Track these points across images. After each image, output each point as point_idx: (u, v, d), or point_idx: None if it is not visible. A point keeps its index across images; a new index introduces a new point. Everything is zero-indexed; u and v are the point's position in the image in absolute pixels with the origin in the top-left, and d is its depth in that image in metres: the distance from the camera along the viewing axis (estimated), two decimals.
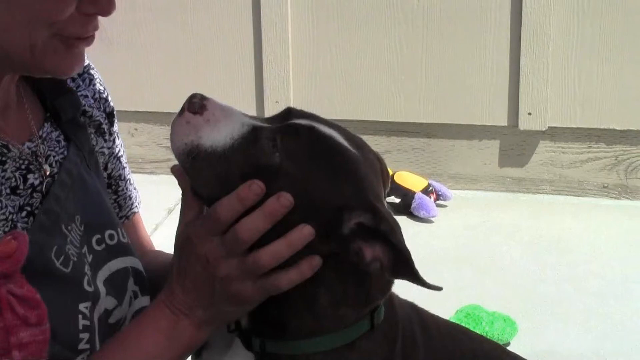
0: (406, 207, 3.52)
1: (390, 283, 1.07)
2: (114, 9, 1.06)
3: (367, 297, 1.05)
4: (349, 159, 1.02)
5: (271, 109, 3.73)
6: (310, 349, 1.05)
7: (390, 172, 3.39)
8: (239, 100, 3.80)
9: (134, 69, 4.10)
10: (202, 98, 1.02)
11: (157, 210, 3.60)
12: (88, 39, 1.07)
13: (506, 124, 3.75)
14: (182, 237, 1.04)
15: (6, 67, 1.06)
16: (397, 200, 3.59)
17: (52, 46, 1.03)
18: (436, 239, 3.43)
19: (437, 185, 3.67)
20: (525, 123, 3.71)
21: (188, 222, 1.03)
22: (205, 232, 0.99)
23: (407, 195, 3.53)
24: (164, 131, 3.91)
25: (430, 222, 3.54)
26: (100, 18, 1.07)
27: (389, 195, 3.67)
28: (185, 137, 1.00)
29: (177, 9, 4.06)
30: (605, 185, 3.81)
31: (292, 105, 1.13)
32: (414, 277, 0.98)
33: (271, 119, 1.07)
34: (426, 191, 3.57)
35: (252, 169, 0.99)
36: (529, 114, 3.69)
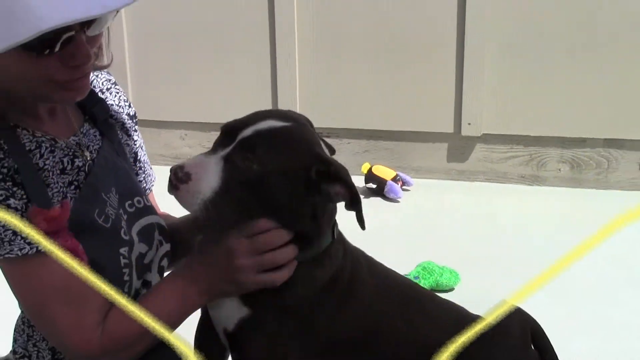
0: (380, 190, 4.00)
1: (335, 209, 1.20)
2: (91, 60, 1.09)
3: (330, 216, 1.19)
4: (289, 133, 1.13)
5: None
6: (300, 259, 1.17)
7: (369, 166, 3.94)
8: None
9: (185, 92, 4.41)
10: (180, 167, 1.08)
11: None
12: (81, 79, 1.11)
13: (452, 131, 4.15)
14: (221, 239, 1.14)
15: (37, 100, 1.18)
16: (374, 186, 4.02)
17: (50, 89, 1.09)
18: (402, 214, 3.87)
19: (403, 175, 4.11)
20: (466, 130, 4.10)
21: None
22: (241, 235, 1.13)
23: (381, 182, 4.00)
24: (206, 135, 4.27)
25: (398, 202, 3.98)
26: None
27: (367, 182, 4.00)
28: (193, 202, 1.07)
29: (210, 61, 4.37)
30: (523, 175, 4.17)
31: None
32: (358, 206, 1.13)
33: (224, 141, 1.12)
34: (395, 179, 4.01)
35: (246, 183, 1.09)
36: (469, 124, 4.10)
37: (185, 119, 4.39)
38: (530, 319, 1.34)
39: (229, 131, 1.11)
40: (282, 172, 1.09)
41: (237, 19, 4.28)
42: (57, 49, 1.03)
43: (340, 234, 1.23)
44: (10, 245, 1.08)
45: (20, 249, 1.09)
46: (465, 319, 1.29)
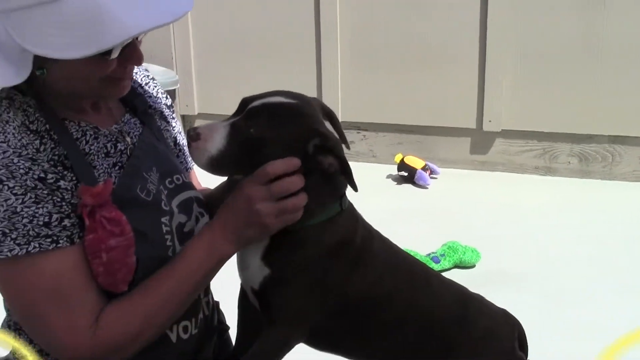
0: (411, 178, 4.28)
1: (344, 183, 1.22)
2: (142, 60, 1.18)
3: (335, 188, 1.21)
4: (292, 108, 1.18)
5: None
6: (308, 222, 1.19)
7: (401, 156, 4.25)
8: None
9: (242, 91, 4.57)
10: (194, 129, 1.16)
11: None
12: (129, 76, 1.21)
13: (475, 127, 4.39)
14: (238, 186, 1.18)
15: (83, 98, 1.22)
16: (406, 174, 4.30)
17: (104, 85, 1.17)
18: (430, 199, 4.10)
19: (431, 165, 4.36)
20: (487, 126, 4.34)
21: (245, 181, 1.17)
22: (255, 182, 1.15)
23: (412, 171, 4.27)
24: None
25: (426, 188, 4.24)
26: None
27: (400, 170, 4.30)
28: (201, 157, 1.16)
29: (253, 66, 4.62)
30: (537, 167, 4.36)
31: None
32: (349, 175, 1.17)
33: (238, 112, 1.19)
34: (424, 169, 4.28)
35: (246, 146, 1.15)
36: (490, 121, 4.32)
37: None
38: (517, 322, 1.37)
39: (243, 103, 1.20)
40: (277, 141, 1.15)
41: (288, 28, 4.56)
42: (119, 52, 1.12)
43: (352, 208, 1.27)
44: None
45: (10, 250, 1.08)
46: (465, 297, 1.35)
